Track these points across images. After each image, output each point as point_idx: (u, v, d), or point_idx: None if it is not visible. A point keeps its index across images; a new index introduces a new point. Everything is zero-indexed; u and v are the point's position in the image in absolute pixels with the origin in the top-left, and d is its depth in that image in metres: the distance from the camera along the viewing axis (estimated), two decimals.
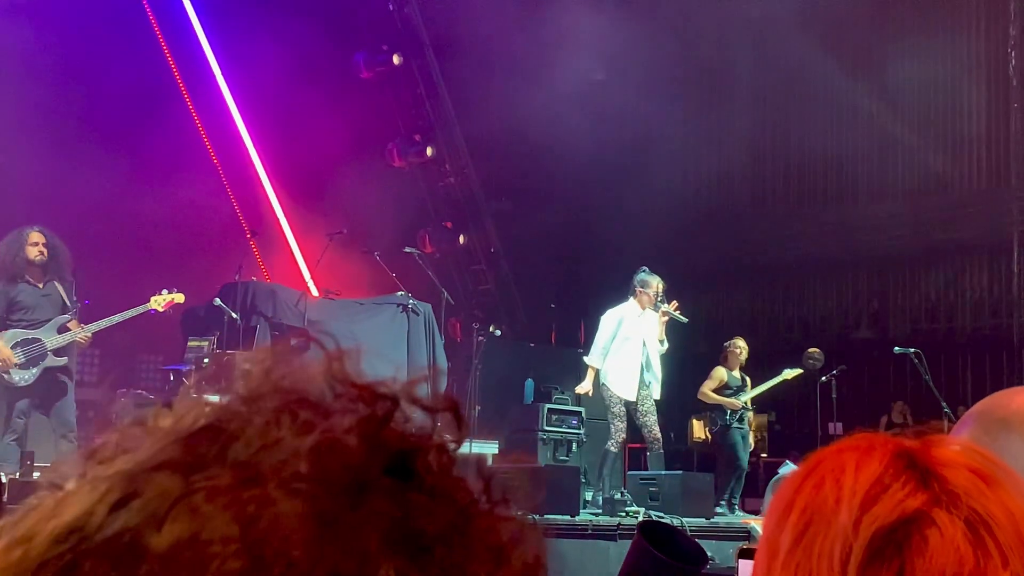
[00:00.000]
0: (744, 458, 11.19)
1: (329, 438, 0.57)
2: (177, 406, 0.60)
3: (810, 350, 11.87)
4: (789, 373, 11.57)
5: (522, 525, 0.61)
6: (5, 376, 8.56)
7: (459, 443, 0.62)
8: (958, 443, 0.99)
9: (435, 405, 0.62)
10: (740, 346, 11.50)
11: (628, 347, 10.26)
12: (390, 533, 0.55)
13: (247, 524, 0.53)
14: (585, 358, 10.52)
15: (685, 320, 10.59)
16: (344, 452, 0.57)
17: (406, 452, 0.59)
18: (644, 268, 10.54)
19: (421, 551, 0.56)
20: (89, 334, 8.77)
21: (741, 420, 11.31)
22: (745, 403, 11.32)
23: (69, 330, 8.72)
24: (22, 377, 8.58)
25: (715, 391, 11.30)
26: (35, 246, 8.65)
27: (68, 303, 8.80)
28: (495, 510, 0.60)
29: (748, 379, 11.48)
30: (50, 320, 8.70)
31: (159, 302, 9.08)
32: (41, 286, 8.73)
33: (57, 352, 8.69)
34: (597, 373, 10.40)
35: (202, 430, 0.58)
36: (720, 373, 11.38)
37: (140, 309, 9.00)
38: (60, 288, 8.79)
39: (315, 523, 0.54)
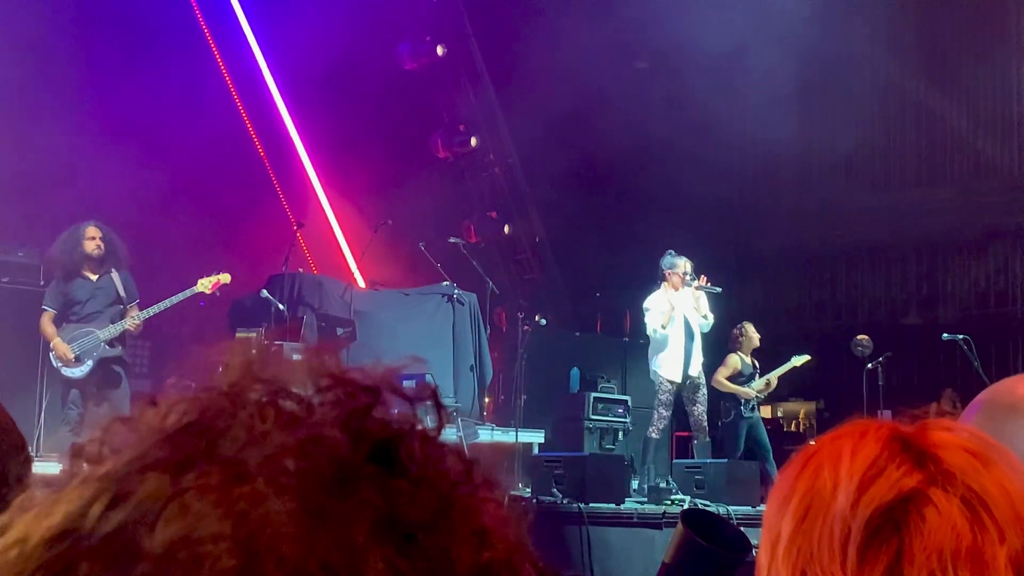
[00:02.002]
0: (740, 450, 11.02)
1: (314, 434, 0.58)
2: (162, 402, 0.61)
3: (858, 337, 11.75)
4: (797, 360, 11.42)
5: (504, 506, 0.62)
6: (61, 370, 8.71)
7: (439, 430, 0.62)
8: (952, 425, 1.00)
9: (415, 394, 0.63)
10: (751, 331, 11.37)
11: (671, 330, 10.29)
12: (377, 522, 0.56)
13: (238, 521, 0.54)
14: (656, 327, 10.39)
15: (718, 290, 10.62)
16: (329, 445, 0.57)
17: (389, 441, 0.59)
18: (670, 251, 10.62)
19: (407, 538, 0.57)
20: (139, 321, 8.86)
21: (753, 409, 11.21)
22: (758, 392, 11.22)
23: (122, 318, 8.83)
24: (79, 371, 8.71)
25: (729, 379, 11.18)
26: (92, 240, 8.79)
27: (124, 294, 8.92)
28: (477, 493, 0.61)
29: (757, 365, 11.36)
30: (103, 312, 8.83)
31: (206, 284, 9.15)
32: (95, 279, 8.85)
33: (111, 343, 8.81)
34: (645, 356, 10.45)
35: (188, 427, 0.58)
36: (734, 360, 11.24)
37: (188, 292, 9.08)
38: (116, 279, 8.91)
39: (304, 517, 0.55)
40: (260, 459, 0.57)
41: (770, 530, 1.00)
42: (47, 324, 8.78)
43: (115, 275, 8.91)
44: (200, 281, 9.16)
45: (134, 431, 0.60)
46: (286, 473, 0.56)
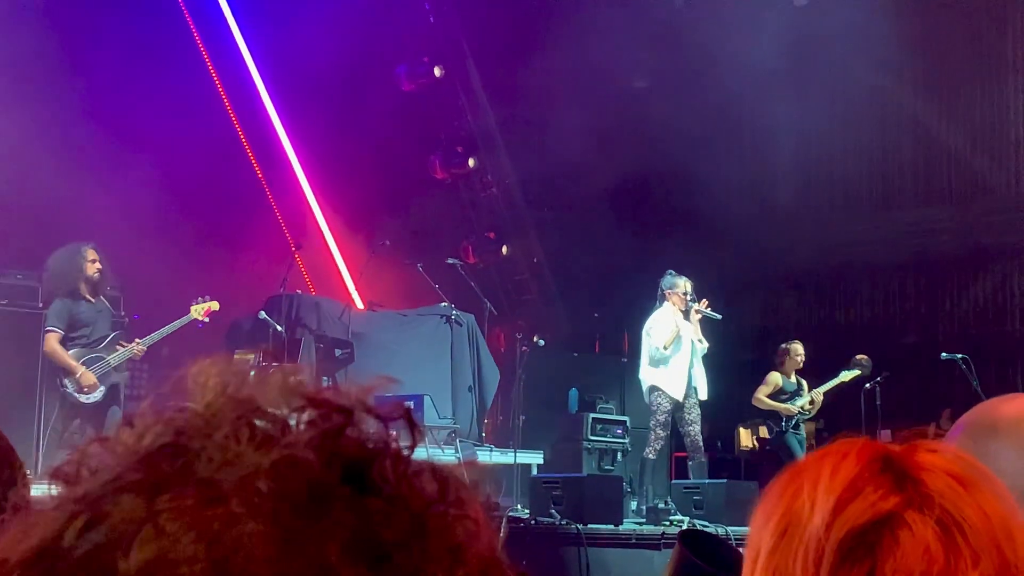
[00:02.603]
0: None
1: (288, 455, 0.58)
2: (138, 422, 0.61)
3: (857, 356, 11.74)
4: (847, 375, 11.28)
5: (477, 523, 0.62)
6: (77, 396, 8.64)
7: (412, 449, 0.63)
8: (940, 447, 1.00)
9: (388, 414, 0.63)
10: (797, 350, 11.26)
11: (677, 353, 10.27)
12: (350, 543, 0.56)
13: (212, 543, 0.55)
14: (660, 347, 10.31)
15: (719, 316, 10.58)
16: (303, 466, 0.58)
17: (362, 461, 0.60)
18: (670, 271, 10.59)
19: (380, 558, 0.57)
20: (144, 347, 8.85)
21: (797, 426, 11.08)
22: (801, 408, 11.09)
23: (124, 345, 8.82)
24: (92, 395, 8.68)
25: (770, 396, 11.10)
26: (93, 263, 8.80)
27: (117, 318, 8.93)
28: (450, 511, 0.61)
29: (805, 384, 11.25)
30: (107, 336, 8.83)
31: (198, 311, 9.16)
32: (94, 301, 8.85)
33: (118, 367, 8.81)
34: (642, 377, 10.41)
35: (163, 448, 0.58)
36: (775, 378, 11.18)
37: (183, 320, 9.09)
38: (108, 303, 8.92)
39: (277, 539, 0.55)
40: (234, 480, 0.57)
41: (752, 546, 1.01)
42: (58, 347, 8.64)
43: (104, 300, 8.93)
44: (192, 308, 9.16)
45: (111, 452, 0.60)
46: (260, 495, 0.56)
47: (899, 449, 0.99)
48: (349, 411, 0.62)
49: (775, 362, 11.34)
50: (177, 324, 9.05)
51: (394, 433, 0.63)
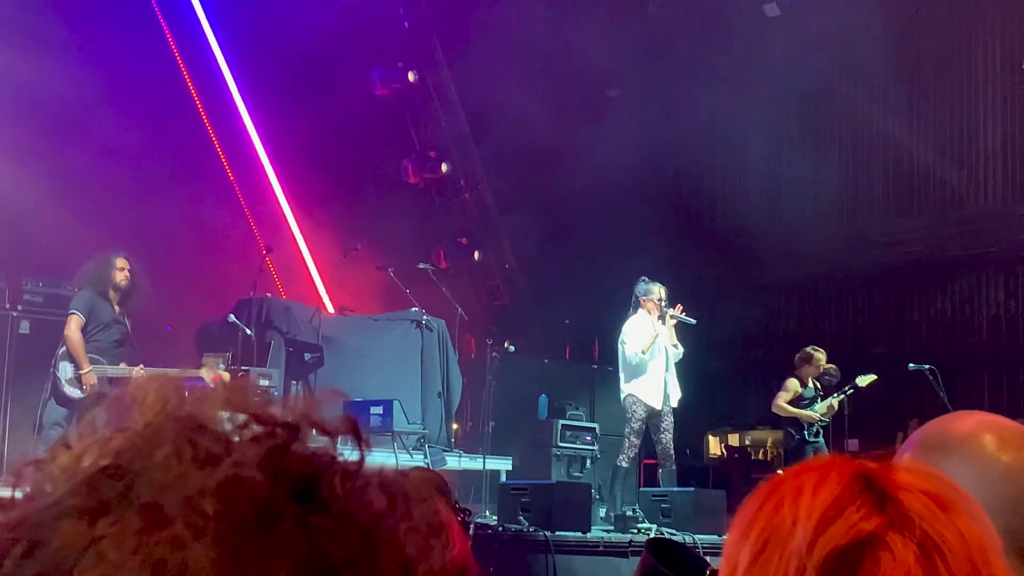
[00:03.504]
0: None
1: (233, 475, 0.56)
2: (75, 444, 0.59)
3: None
4: (862, 380, 11.08)
5: (428, 536, 0.61)
6: (66, 386, 8.58)
7: (360, 463, 0.61)
8: (918, 467, 1.00)
9: (334, 428, 0.62)
10: (820, 358, 11.08)
11: (650, 357, 10.26)
12: (299, 563, 0.55)
13: (156, 568, 0.53)
14: (638, 351, 10.27)
15: (693, 321, 10.57)
16: (248, 485, 0.56)
17: (310, 478, 0.58)
18: (643, 278, 10.57)
19: None
20: (144, 374, 8.78)
21: (818, 434, 10.89)
22: (822, 416, 10.92)
23: (132, 366, 8.76)
24: (81, 392, 8.62)
25: (789, 403, 10.97)
26: (121, 271, 8.85)
27: (133, 343, 8.93)
28: (400, 524, 0.60)
29: (821, 390, 11.09)
30: (116, 347, 8.81)
31: (208, 375, 9.09)
32: (117, 311, 8.83)
33: (111, 380, 8.72)
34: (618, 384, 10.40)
35: (103, 470, 0.56)
36: (794, 384, 11.00)
37: (190, 372, 9.01)
38: (128, 322, 8.92)
39: (225, 562, 0.54)
40: (178, 502, 0.55)
41: (728, 559, 1.00)
42: (78, 334, 8.61)
43: (127, 319, 8.92)
44: (203, 370, 9.01)
45: (47, 475, 0.58)
46: (204, 516, 0.55)
47: (876, 467, 0.99)
48: (295, 426, 0.60)
49: (795, 369, 11.14)
50: (183, 372, 8.98)
51: (341, 448, 0.62)
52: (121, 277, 8.83)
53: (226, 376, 9.07)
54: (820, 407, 10.94)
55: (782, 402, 10.96)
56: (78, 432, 0.61)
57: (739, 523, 1.01)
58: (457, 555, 0.61)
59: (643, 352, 10.15)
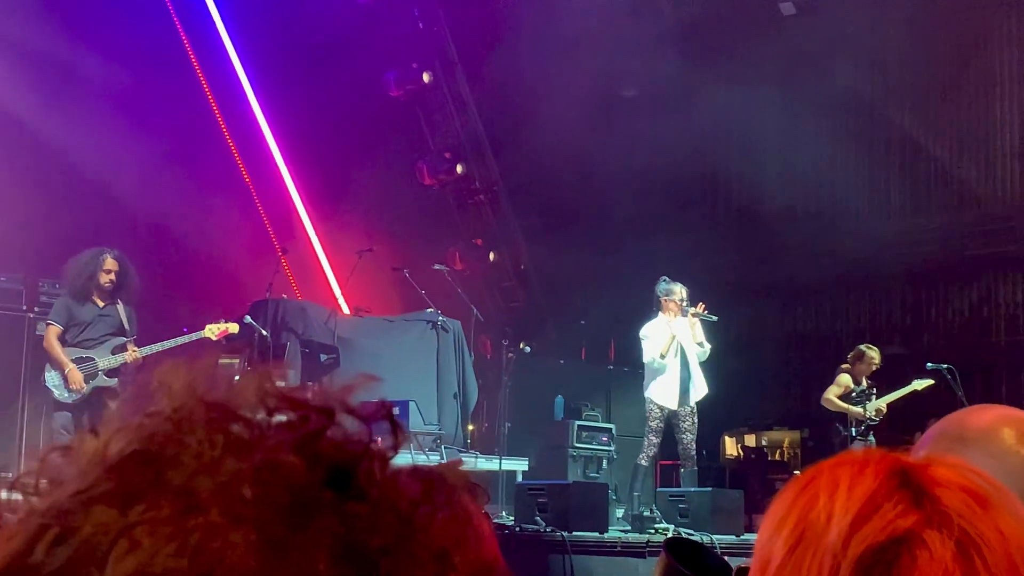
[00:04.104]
0: None
1: (269, 458, 0.55)
2: (102, 430, 0.58)
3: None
4: (919, 384, 10.95)
5: (465, 525, 0.60)
6: (55, 391, 8.60)
7: (396, 450, 0.61)
8: (957, 463, 0.99)
9: (370, 414, 0.61)
10: (873, 356, 10.94)
11: (668, 358, 10.24)
12: (337, 550, 0.54)
13: (194, 556, 0.52)
14: (656, 357, 10.27)
15: (715, 319, 10.55)
16: (285, 471, 0.55)
17: (346, 463, 0.57)
18: (664, 278, 10.55)
19: (368, 565, 0.55)
20: (140, 356, 8.79)
21: (866, 433, 10.67)
22: (871, 414, 10.74)
23: (124, 351, 8.77)
24: (72, 394, 8.62)
25: (840, 398, 10.83)
26: (108, 273, 8.78)
27: (128, 327, 8.88)
28: (437, 514, 0.59)
29: (874, 389, 10.89)
30: (105, 340, 8.77)
31: (213, 331, 9.11)
32: (102, 305, 8.82)
33: (109, 373, 8.74)
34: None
35: (134, 455, 0.55)
36: (845, 379, 10.87)
37: (194, 336, 9.03)
38: (121, 311, 8.87)
39: (263, 549, 0.53)
40: (213, 488, 0.54)
41: (761, 552, 0.99)
42: (55, 341, 8.65)
43: (120, 307, 8.88)
44: (208, 327, 9.09)
45: (74, 462, 0.57)
46: (242, 502, 0.54)
47: (915, 463, 0.97)
48: (330, 412, 0.59)
49: (848, 365, 11.01)
50: (182, 340, 9.00)
51: (376, 434, 0.61)
52: (106, 280, 8.76)
53: (233, 328, 9.09)
54: (871, 407, 10.76)
55: (832, 396, 10.85)
56: (103, 419, 0.59)
57: (773, 516, 0.99)
58: (489, 547, 0.60)
59: (662, 357, 10.14)
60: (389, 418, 0.62)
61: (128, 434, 0.57)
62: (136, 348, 8.80)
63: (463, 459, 9.91)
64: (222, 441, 0.56)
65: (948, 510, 0.92)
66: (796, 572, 0.94)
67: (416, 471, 0.60)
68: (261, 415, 0.58)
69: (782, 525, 0.97)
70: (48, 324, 8.77)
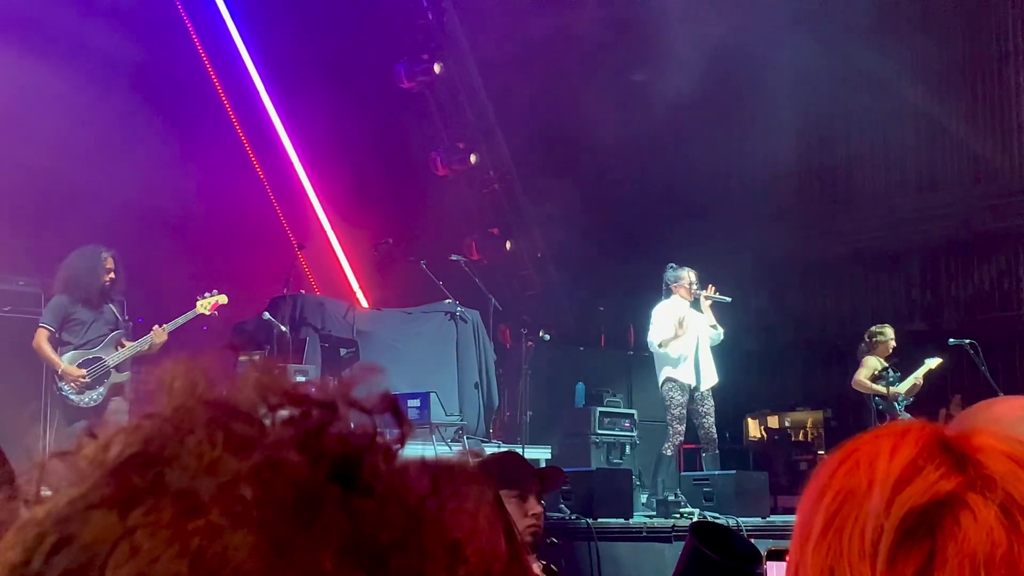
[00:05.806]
0: None
1: (270, 458, 0.54)
2: (101, 433, 0.57)
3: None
4: (932, 362, 11.05)
5: (476, 517, 0.58)
6: (73, 398, 8.56)
7: (402, 442, 0.59)
8: (996, 431, 0.98)
9: (373, 406, 0.59)
10: (887, 333, 11.03)
11: (684, 342, 10.23)
12: (344, 548, 0.53)
13: (195, 559, 0.51)
14: (655, 343, 10.30)
15: (728, 300, 10.57)
16: (287, 469, 0.54)
17: (350, 458, 0.56)
18: (671, 264, 10.55)
19: (377, 562, 0.54)
20: (165, 333, 8.75)
21: (901, 410, 10.76)
22: (905, 393, 10.82)
23: (124, 346, 8.76)
24: (90, 398, 8.59)
25: (870, 379, 10.84)
26: (109, 272, 8.73)
27: (120, 319, 8.87)
28: (446, 506, 0.57)
29: (895, 368, 10.98)
30: (104, 337, 8.75)
31: (205, 305, 9.09)
32: (99, 303, 8.80)
33: (119, 367, 8.74)
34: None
35: (132, 458, 0.54)
36: (872, 362, 10.93)
37: (190, 315, 9.02)
38: (113, 305, 8.87)
39: (267, 550, 0.52)
40: (213, 489, 0.53)
41: (802, 525, 0.98)
42: (44, 343, 8.55)
43: (112, 306, 8.87)
44: (199, 302, 9.09)
45: (73, 467, 0.55)
46: (243, 503, 0.52)
47: (955, 431, 0.96)
48: (331, 405, 0.58)
49: (866, 347, 11.08)
50: (181, 320, 8.99)
51: (381, 427, 0.59)
52: (108, 278, 8.71)
53: (222, 299, 9.09)
54: (904, 385, 10.86)
55: (862, 378, 10.89)
56: (102, 421, 0.59)
57: (813, 488, 0.98)
58: (505, 537, 0.59)
59: (661, 346, 10.15)
60: (394, 410, 0.60)
61: (127, 436, 0.56)
62: (127, 343, 8.76)
63: (484, 450, 9.93)
64: (222, 439, 0.55)
65: (992, 473, 0.92)
66: (838, 538, 0.93)
67: (424, 464, 0.59)
68: (263, 412, 0.57)
69: (823, 495, 0.96)
70: (39, 326, 8.64)
